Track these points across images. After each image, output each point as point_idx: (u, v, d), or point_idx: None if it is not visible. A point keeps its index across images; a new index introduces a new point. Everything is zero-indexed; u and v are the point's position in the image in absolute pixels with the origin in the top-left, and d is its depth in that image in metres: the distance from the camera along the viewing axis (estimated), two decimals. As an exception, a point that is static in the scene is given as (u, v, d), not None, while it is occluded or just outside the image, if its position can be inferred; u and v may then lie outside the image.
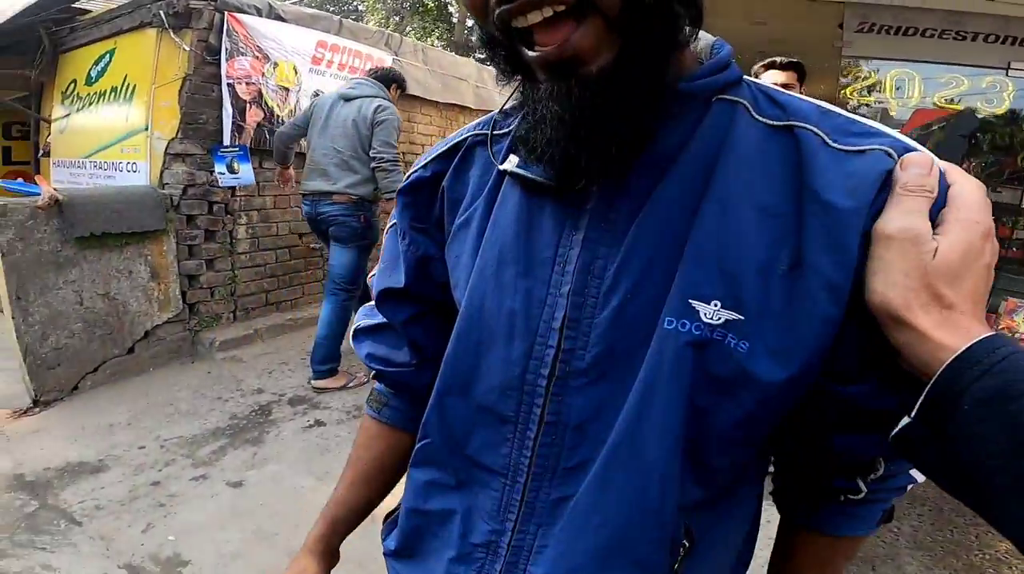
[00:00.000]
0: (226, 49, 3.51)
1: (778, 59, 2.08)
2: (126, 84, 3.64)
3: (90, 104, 3.94)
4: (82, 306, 2.89)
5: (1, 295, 2.68)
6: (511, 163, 0.45)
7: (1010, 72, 3.48)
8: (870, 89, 3.76)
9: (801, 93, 1.28)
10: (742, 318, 0.37)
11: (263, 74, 3.70)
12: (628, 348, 0.40)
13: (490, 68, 5.97)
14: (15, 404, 2.71)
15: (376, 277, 0.59)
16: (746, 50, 1.29)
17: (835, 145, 0.38)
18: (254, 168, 3.59)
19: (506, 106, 0.49)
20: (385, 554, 0.59)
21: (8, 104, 4.50)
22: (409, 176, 0.56)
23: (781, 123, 0.40)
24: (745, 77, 0.44)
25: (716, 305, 0.38)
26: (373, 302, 0.61)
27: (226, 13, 3.51)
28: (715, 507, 0.43)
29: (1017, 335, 3.56)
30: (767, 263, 0.38)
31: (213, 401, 2.87)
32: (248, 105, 3.64)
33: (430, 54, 4.95)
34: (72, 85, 4.15)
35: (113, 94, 3.73)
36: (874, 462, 0.44)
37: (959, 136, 5.73)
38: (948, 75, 3.76)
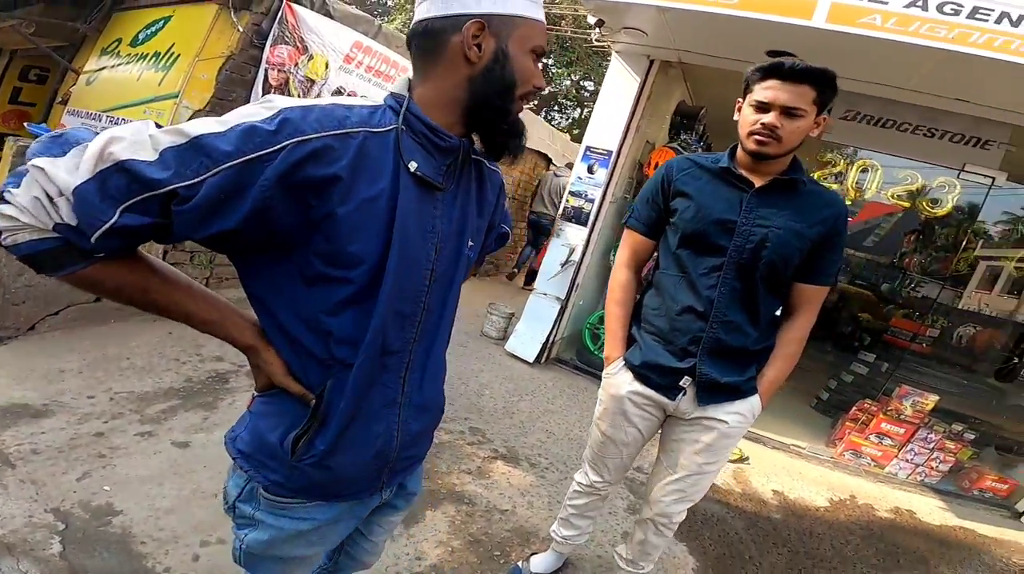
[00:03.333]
0: (273, 35, 3.74)
1: (785, 62, 1.27)
2: (170, 52, 3.89)
3: (128, 63, 4.16)
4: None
5: None
6: (413, 166, 0.76)
7: (961, 175, 3.77)
8: (837, 176, 4.01)
9: (820, 123, 1.39)
10: (473, 244, 0.90)
11: (296, 64, 3.97)
12: (451, 266, 0.86)
13: None
14: None
15: (194, 216, 0.63)
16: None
17: (489, 168, 0.97)
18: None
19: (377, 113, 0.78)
20: (312, 463, 0.82)
21: (44, 50, 4.60)
22: (305, 140, 0.66)
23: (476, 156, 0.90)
24: None
25: (471, 239, 0.89)
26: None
27: (284, 1, 3.71)
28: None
29: (902, 416, 3.90)
30: (476, 221, 0.91)
31: (170, 361, 2.94)
32: (274, 91, 3.88)
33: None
34: (116, 43, 4.39)
35: (155, 59, 3.97)
36: None
37: (902, 233, 6.07)
38: (907, 171, 4.05)
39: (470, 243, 0.88)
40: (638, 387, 1.52)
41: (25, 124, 4.00)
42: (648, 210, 1.53)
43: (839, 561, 2.59)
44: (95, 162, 0.60)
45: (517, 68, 0.78)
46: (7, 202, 0.60)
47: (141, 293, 0.73)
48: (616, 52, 4.17)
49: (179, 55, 3.80)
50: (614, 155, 4.11)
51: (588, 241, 4.31)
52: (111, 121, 3.95)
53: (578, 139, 8.43)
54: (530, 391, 3.87)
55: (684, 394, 1.47)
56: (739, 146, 1.40)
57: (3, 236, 0.62)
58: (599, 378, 1.65)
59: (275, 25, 3.76)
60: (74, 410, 2.37)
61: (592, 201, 4.21)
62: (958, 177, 3.78)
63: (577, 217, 4.28)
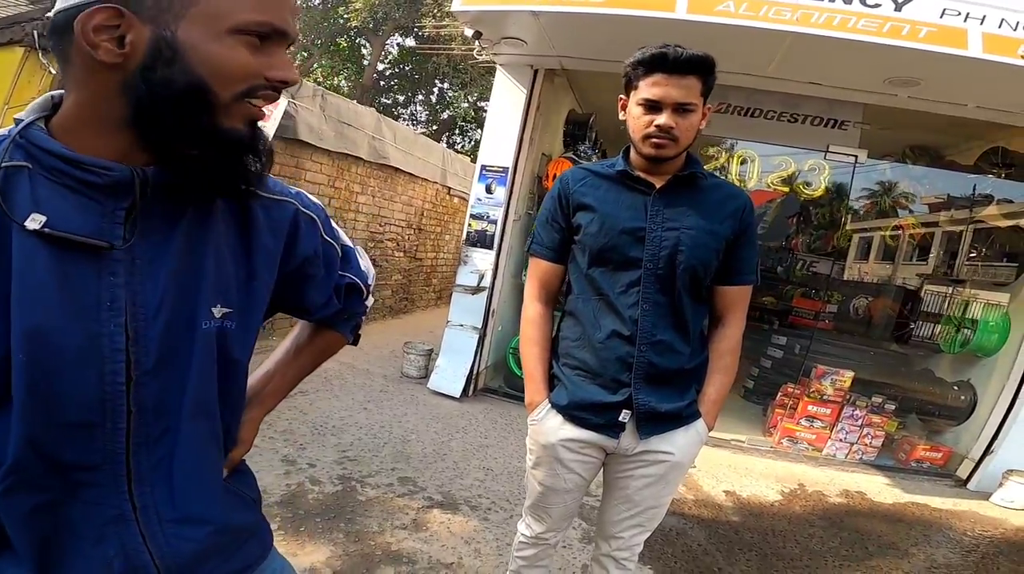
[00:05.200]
0: None
1: (669, 52, 1.19)
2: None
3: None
4: None
5: None
6: (37, 222, 0.53)
7: (827, 155, 4.09)
8: (720, 169, 4.26)
9: (706, 114, 1.29)
10: (230, 310, 0.67)
11: None
12: (175, 348, 0.63)
13: (389, 120, 5.97)
14: None
15: None
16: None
17: (269, 196, 0.72)
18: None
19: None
20: None
21: None
22: None
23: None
24: None
25: (220, 305, 0.65)
26: None
27: None
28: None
29: (825, 397, 4.13)
30: (235, 274, 0.67)
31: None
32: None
33: (329, 100, 4.95)
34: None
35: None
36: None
37: (785, 217, 6.76)
38: (780, 157, 4.30)
39: (219, 310, 0.65)
40: (570, 432, 1.39)
41: None
42: (550, 232, 1.42)
43: (808, 557, 2.60)
44: None
45: (202, 60, 0.54)
46: None
47: None
48: (500, 65, 4.20)
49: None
50: (511, 171, 4.09)
51: (496, 264, 4.26)
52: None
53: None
54: (460, 428, 3.67)
55: (624, 430, 1.36)
56: (631, 148, 1.34)
57: None
58: None
59: None
60: None
61: (495, 222, 4.16)
62: (824, 158, 4.11)
63: (482, 240, 4.21)
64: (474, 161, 9.40)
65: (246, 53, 0.56)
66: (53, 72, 3.31)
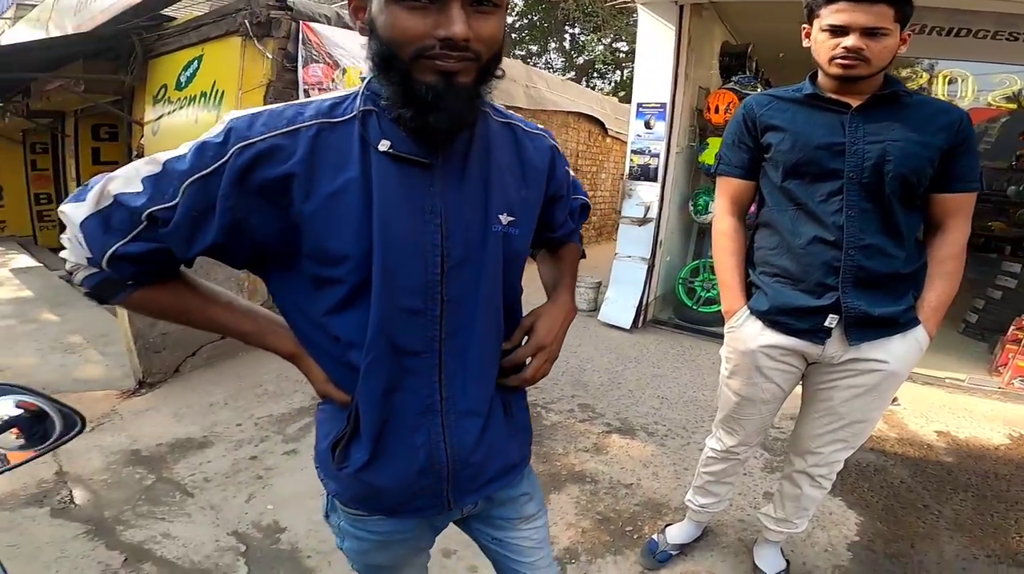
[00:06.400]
0: (302, 57, 3.92)
1: None
2: (215, 89, 4.13)
3: (181, 108, 4.48)
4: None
5: None
6: (384, 146, 0.71)
7: None
8: (922, 89, 3.84)
9: (906, 40, 1.27)
10: (514, 218, 0.80)
11: (333, 79, 4.16)
12: (473, 248, 0.77)
13: (535, 69, 6.18)
14: (121, 386, 3.20)
15: (179, 235, 0.69)
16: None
17: (526, 130, 0.86)
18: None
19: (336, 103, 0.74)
20: (354, 472, 0.81)
21: (104, 106, 5.08)
22: (249, 144, 0.68)
23: (504, 120, 0.84)
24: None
25: (505, 214, 0.79)
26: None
27: (301, 23, 3.88)
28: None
29: None
30: (516, 191, 0.81)
31: (295, 383, 3.29)
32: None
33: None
34: (163, 90, 4.72)
35: (203, 98, 4.25)
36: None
37: (1016, 135, 5.49)
38: (1000, 75, 3.95)
39: (504, 218, 0.79)
40: (771, 338, 1.44)
41: None
42: (738, 153, 1.49)
43: (1035, 501, 2.34)
44: (96, 200, 0.69)
45: (383, 29, 0.65)
46: (63, 246, 0.72)
47: (181, 312, 0.81)
48: (642, 5, 4.08)
49: (223, 91, 4.07)
50: (668, 106, 4.11)
51: (662, 196, 4.30)
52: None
53: (626, 101, 8.39)
54: (633, 358, 3.83)
55: (830, 336, 1.38)
56: (819, 72, 1.34)
57: (73, 278, 0.74)
58: (703, 334, 1.61)
59: (300, 47, 3.91)
60: (229, 438, 2.72)
61: (657, 155, 4.21)
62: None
63: (645, 173, 4.28)
64: (621, 102, 9.49)
65: (408, 17, 0.63)
66: (270, 57, 3.86)
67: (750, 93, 4.04)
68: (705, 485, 1.81)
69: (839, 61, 1.23)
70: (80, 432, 0.64)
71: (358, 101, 0.74)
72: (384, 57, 0.67)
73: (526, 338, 0.90)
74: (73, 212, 0.69)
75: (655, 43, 4.11)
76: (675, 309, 4.68)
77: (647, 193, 4.28)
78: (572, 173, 1.00)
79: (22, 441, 0.61)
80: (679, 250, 4.84)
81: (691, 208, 4.53)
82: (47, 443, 0.63)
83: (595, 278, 4.82)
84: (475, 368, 0.81)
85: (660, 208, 4.30)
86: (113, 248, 0.68)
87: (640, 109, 4.23)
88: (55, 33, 5.77)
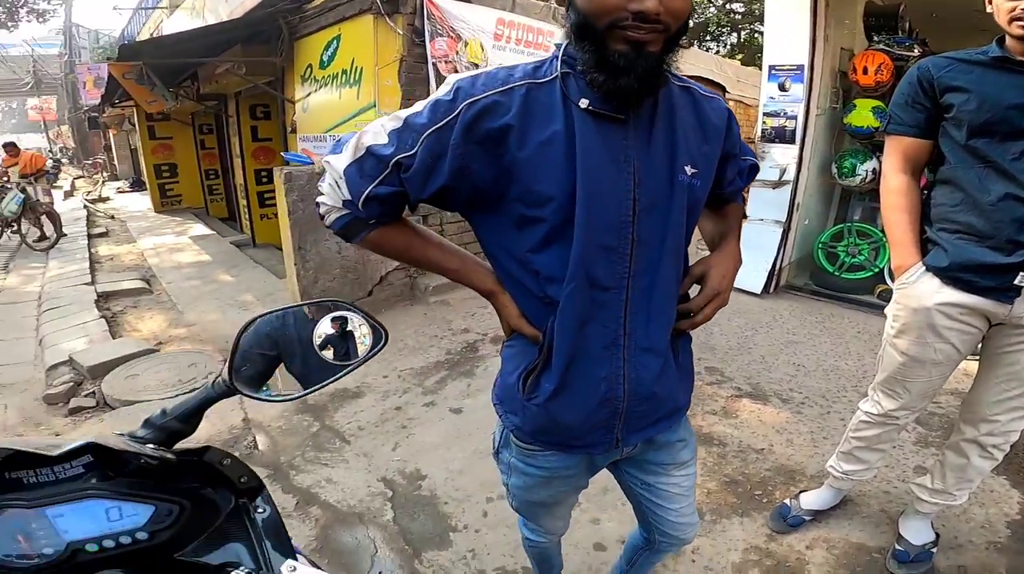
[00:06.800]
0: (428, 31, 4.13)
1: None
2: (354, 67, 4.46)
3: (325, 85, 4.88)
4: (340, 255, 3.82)
5: (288, 251, 3.61)
6: (584, 103, 0.80)
7: None
8: None
9: None
10: (696, 171, 0.87)
11: (457, 52, 4.34)
12: (661, 195, 0.85)
13: None
14: None
15: (416, 179, 0.82)
16: None
17: (703, 94, 0.92)
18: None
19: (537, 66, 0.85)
20: (542, 402, 0.91)
21: (260, 87, 5.68)
22: (474, 101, 0.80)
23: (682, 85, 0.90)
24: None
25: (690, 166, 0.86)
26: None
27: None
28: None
29: None
30: (697, 147, 0.88)
31: (431, 338, 3.57)
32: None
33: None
34: (308, 69, 5.15)
35: (344, 76, 4.60)
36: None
37: None
38: None
39: (689, 169, 0.85)
40: (950, 295, 1.39)
41: (283, 154, 5.08)
42: (911, 112, 1.47)
43: None
44: (352, 151, 0.84)
45: (583, 3, 0.74)
46: (322, 194, 0.89)
47: (405, 250, 0.96)
48: None
49: (362, 67, 4.35)
50: (807, 68, 3.97)
51: (800, 158, 4.12)
52: (333, 139, 4.66)
53: (747, 63, 7.94)
54: (764, 324, 3.69)
55: (1020, 295, 1.31)
56: (1005, 36, 1.31)
57: (325, 219, 0.91)
58: (845, 302, 1.56)
59: (426, 21, 4.10)
60: (377, 389, 2.98)
61: (794, 117, 4.08)
62: None
63: (781, 135, 4.16)
64: (743, 64, 9.11)
65: None
66: (401, 32, 4.08)
67: (905, 55, 3.79)
68: (853, 450, 1.76)
69: (1019, 22, 1.22)
70: (384, 346, 0.79)
71: (556, 64, 0.83)
72: (581, 27, 0.75)
73: (698, 286, 0.96)
74: (336, 162, 0.85)
75: (788, 5, 3.96)
76: (813, 275, 4.41)
77: (783, 155, 4.13)
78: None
79: (343, 351, 0.75)
80: (819, 214, 4.56)
81: (835, 171, 4.23)
82: (366, 354, 0.77)
83: (722, 241, 4.65)
84: (657, 307, 0.89)
85: (798, 170, 4.11)
86: (367, 190, 0.83)
87: (773, 71, 4.12)
88: (211, 20, 6.51)
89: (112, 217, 10.19)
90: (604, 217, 0.81)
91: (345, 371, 0.74)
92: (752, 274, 4.20)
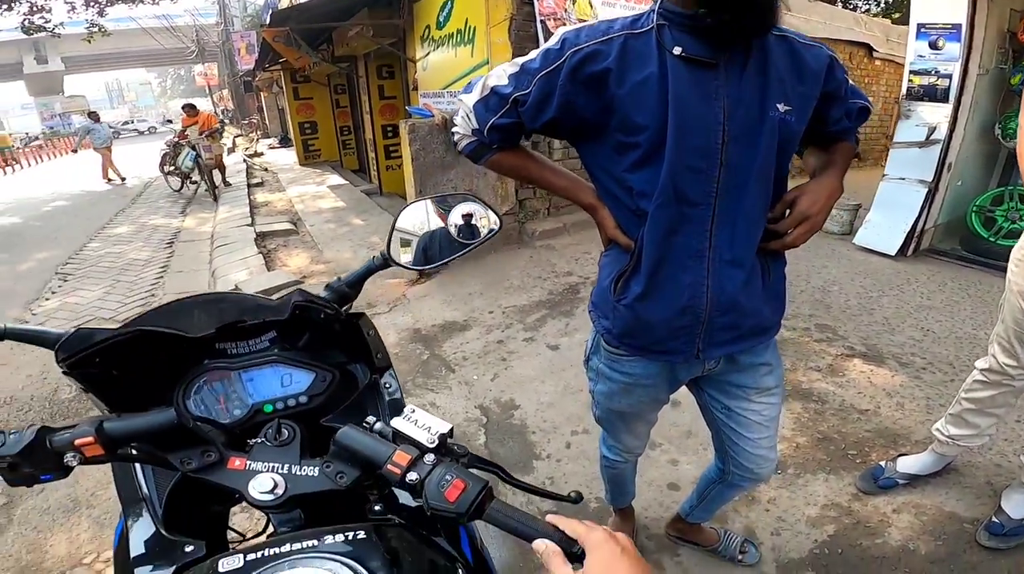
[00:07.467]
0: None
1: None
2: (467, 26, 4.67)
3: (442, 45, 5.15)
4: (457, 198, 4.08)
5: (411, 194, 3.97)
6: (677, 51, 0.90)
7: None
8: None
9: None
10: (790, 108, 0.94)
11: (565, 9, 4.35)
12: (751, 127, 0.93)
13: None
14: (408, 275, 4.00)
15: (530, 112, 0.99)
16: None
17: (802, 42, 0.98)
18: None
19: (634, 19, 0.96)
20: (630, 302, 1.04)
21: (385, 48, 6.08)
22: (579, 49, 0.93)
23: (779, 34, 0.96)
24: None
25: (783, 104, 0.94)
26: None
27: None
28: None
29: None
30: (792, 87, 0.95)
31: (535, 279, 3.77)
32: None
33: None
34: (427, 30, 5.44)
35: (459, 35, 4.83)
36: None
37: None
38: None
39: (781, 107, 0.93)
40: None
41: (407, 107, 5.51)
42: None
43: None
44: (480, 91, 1.03)
45: None
46: (455, 124, 1.09)
47: (522, 168, 1.13)
48: None
49: (475, 27, 4.53)
50: (965, 26, 3.75)
51: (955, 117, 3.78)
52: (450, 95, 4.97)
53: (901, 22, 6.99)
54: (895, 286, 3.44)
55: None
56: None
57: (457, 146, 1.12)
58: (998, 269, 1.42)
59: None
60: (482, 323, 3.25)
61: (947, 76, 3.86)
62: None
63: (930, 94, 3.96)
64: (894, 23, 8.41)
65: None
66: None
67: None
68: (963, 413, 1.66)
69: None
70: (499, 230, 1.00)
71: (653, 17, 0.94)
72: None
73: (789, 211, 1.04)
74: (467, 99, 1.05)
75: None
76: (963, 240, 3.99)
77: (932, 114, 3.88)
78: (851, 81, 1.09)
79: (469, 234, 0.97)
80: (975, 176, 4.10)
81: (999, 132, 3.85)
82: (484, 236, 0.96)
83: (854, 201, 4.30)
84: (742, 224, 0.98)
85: (951, 130, 3.76)
86: (491, 121, 1.02)
87: (922, 30, 3.93)
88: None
89: (266, 170, 11.54)
90: (693, 142, 0.92)
91: (469, 248, 0.96)
92: (887, 234, 3.90)
